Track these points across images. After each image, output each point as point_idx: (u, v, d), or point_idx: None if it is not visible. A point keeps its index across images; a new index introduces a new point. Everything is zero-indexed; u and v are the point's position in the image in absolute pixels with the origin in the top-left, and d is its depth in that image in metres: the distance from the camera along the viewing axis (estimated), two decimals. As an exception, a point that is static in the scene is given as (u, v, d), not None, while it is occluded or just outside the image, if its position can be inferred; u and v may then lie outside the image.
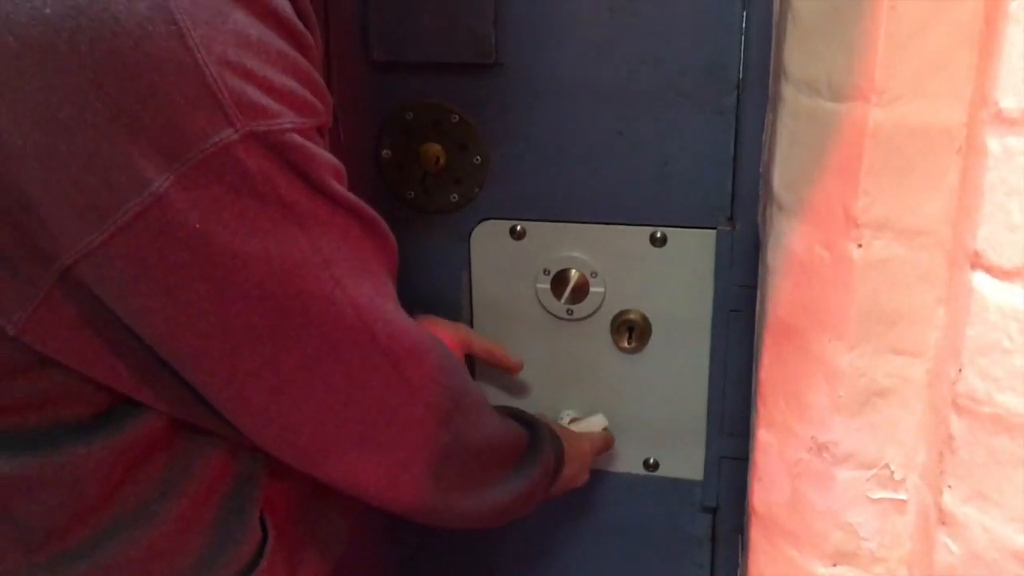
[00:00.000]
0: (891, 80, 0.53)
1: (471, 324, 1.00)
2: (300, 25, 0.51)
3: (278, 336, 0.52)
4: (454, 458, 0.65)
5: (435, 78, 0.91)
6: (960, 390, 0.54)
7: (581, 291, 0.95)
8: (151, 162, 0.44)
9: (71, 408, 0.54)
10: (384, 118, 0.94)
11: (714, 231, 0.90)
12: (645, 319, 0.95)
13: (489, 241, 0.96)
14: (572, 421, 0.98)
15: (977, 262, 0.52)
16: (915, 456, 0.61)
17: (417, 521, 0.66)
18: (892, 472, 0.62)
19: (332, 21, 0.89)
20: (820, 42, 0.57)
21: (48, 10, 0.43)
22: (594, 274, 0.94)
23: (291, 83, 0.49)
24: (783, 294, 0.64)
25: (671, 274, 0.93)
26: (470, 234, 0.97)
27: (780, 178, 0.63)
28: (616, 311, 0.96)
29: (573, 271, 0.95)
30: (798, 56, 0.60)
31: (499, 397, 1.02)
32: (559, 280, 0.95)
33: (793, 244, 0.62)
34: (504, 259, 0.96)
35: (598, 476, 1.03)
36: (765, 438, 0.69)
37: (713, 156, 0.88)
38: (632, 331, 0.96)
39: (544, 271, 0.95)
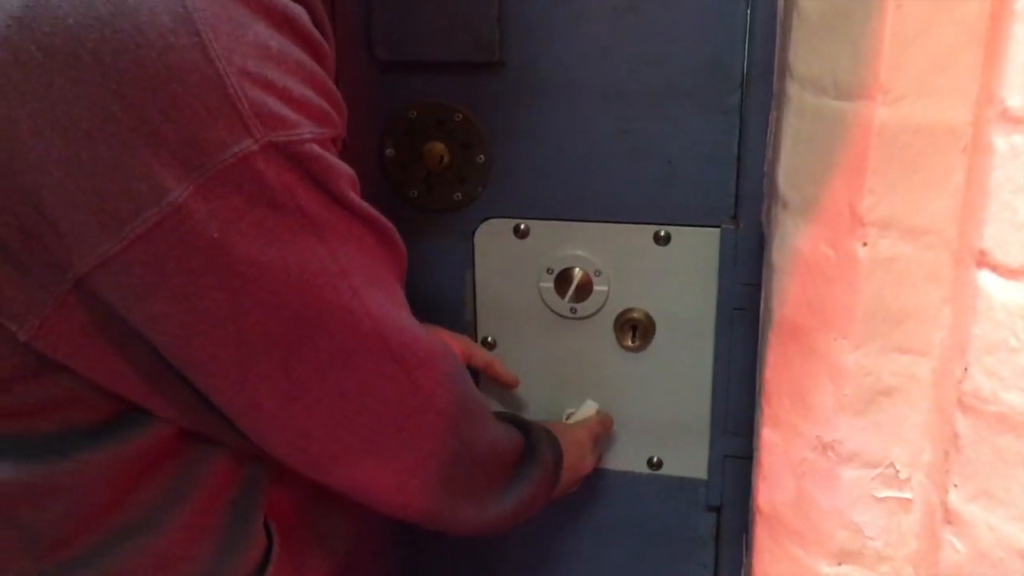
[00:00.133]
0: (897, 79, 0.53)
1: (475, 323, 1.00)
2: (317, 35, 0.51)
3: (293, 344, 0.52)
4: (462, 464, 0.65)
5: (439, 77, 0.91)
6: (966, 389, 0.54)
7: (585, 290, 0.95)
8: (171, 172, 0.45)
9: (80, 414, 0.54)
10: (387, 117, 0.94)
11: (718, 230, 0.90)
12: (649, 318, 0.95)
13: (493, 240, 0.96)
14: (568, 416, 0.98)
15: (983, 261, 0.52)
16: (920, 455, 0.61)
17: (423, 528, 0.66)
18: (897, 471, 0.62)
19: (336, 20, 0.89)
20: (825, 40, 0.57)
21: (71, 20, 0.43)
22: (598, 273, 0.94)
23: (309, 93, 0.49)
24: (788, 293, 0.64)
25: (675, 273, 0.93)
26: (474, 233, 0.97)
27: (785, 177, 0.63)
28: (620, 310, 0.96)
29: (577, 270, 0.95)
30: (803, 54, 0.60)
31: (503, 396, 1.02)
32: (563, 279, 0.95)
33: (798, 243, 0.62)
34: (508, 258, 0.96)
35: (601, 475, 1.03)
36: (770, 437, 0.69)
37: (717, 155, 0.88)
38: (636, 330, 0.96)
39: (548, 270, 0.95)
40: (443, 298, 1.00)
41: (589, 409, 0.98)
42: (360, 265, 0.53)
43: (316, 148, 0.49)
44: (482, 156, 0.93)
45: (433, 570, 1.13)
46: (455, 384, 0.63)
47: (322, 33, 0.52)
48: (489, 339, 1.00)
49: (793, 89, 0.61)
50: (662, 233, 0.92)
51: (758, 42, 0.83)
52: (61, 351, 0.50)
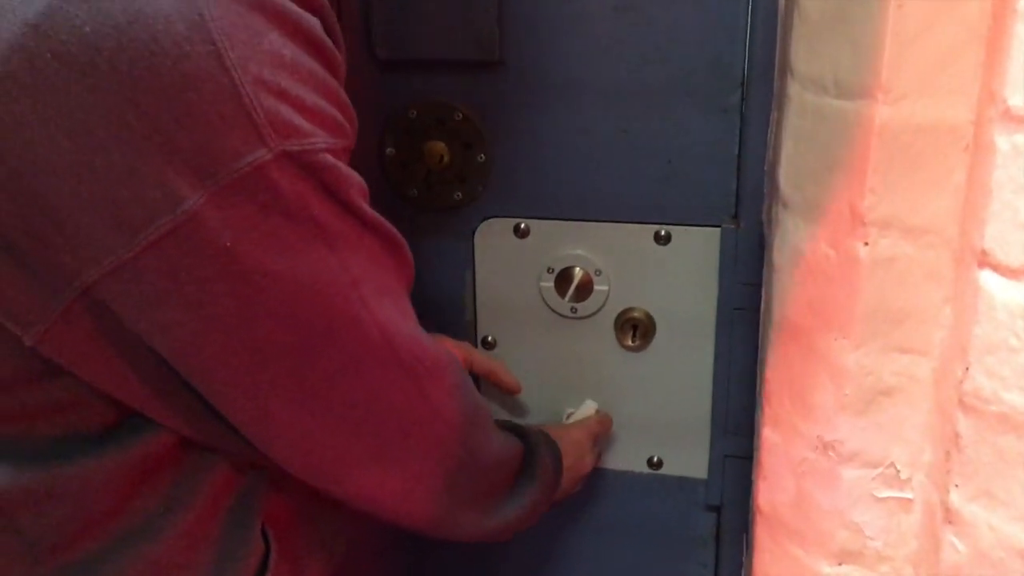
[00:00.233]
0: (898, 78, 0.53)
1: (475, 322, 1.00)
2: (330, 45, 0.52)
3: (303, 353, 0.52)
4: (467, 473, 0.65)
5: (439, 76, 0.91)
6: (967, 389, 0.54)
7: (585, 289, 0.95)
8: (185, 180, 0.45)
9: (82, 420, 0.54)
10: (388, 116, 0.93)
11: (718, 229, 0.89)
12: (649, 317, 0.95)
13: (493, 239, 0.96)
14: (568, 416, 0.98)
15: (984, 260, 0.52)
16: (921, 455, 0.61)
17: (426, 535, 0.66)
18: (898, 471, 0.62)
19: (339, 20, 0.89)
20: (826, 39, 0.57)
21: (88, 28, 0.43)
22: (598, 272, 0.94)
23: (322, 103, 0.49)
24: (789, 293, 0.64)
25: (675, 272, 0.93)
26: (474, 232, 0.97)
27: (786, 176, 0.63)
28: (620, 309, 0.95)
29: (577, 269, 0.94)
30: (804, 53, 0.60)
31: (502, 396, 1.02)
32: (563, 278, 0.95)
33: (799, 243, 0.62)
34: (508, 257, 0.96)
35: (601, 474, 1.03)
36: (770, 437, 0.69)
37: (718, 154, 0.88)
38: (636, 329, 0.95)
39: (548, 269, 0.95)
40: (443, 297, 0.99)
41: (588, 409, 0.98)
42: (370, 275, 0.54)
43: (329, 158, 0.49)
44: (482, 155, 0.93)
45: (433, 570, 1.13)
46: (462, 395, 0.63)
47: (334, 43, 0.53)
48: (489, 338, 1.00)
49: (794, 88, 0.61)
50: (662, 233, 0.91)
51: (759, 41, 0.83)
52: (66, 356, 0.50)
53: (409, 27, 0.89)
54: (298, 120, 0.47)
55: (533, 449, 0.79)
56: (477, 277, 0.98)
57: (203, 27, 0.44)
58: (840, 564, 0.66)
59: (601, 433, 0.97)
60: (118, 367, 0.51)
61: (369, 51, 0.90)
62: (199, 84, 0.44)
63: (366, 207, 0.53)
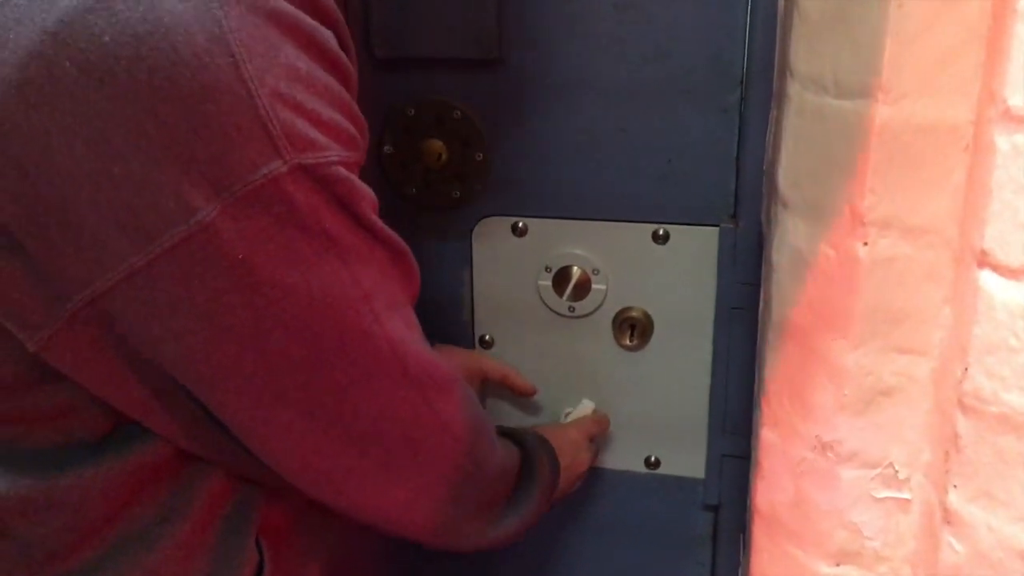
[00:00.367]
0: (898, 77, 0.53)
1: (472, 321, 1.00)
2: (344, 57, 0.52)
3: (313, 365, 0.52)
4: (472, 484, 0.66)
5: (437, 74, 0.91)
6: (966, 389, 0.54)
7: (583, 288, 0.95)
8: (200, 191, 0.45)
9: (80, 427, 0.54)
10: (386, 114, 0.93)
11: (717, 228, 0.89)
12: (647, 316, 0.95)
13: (491, 238, 0.96)
14: (566, 415, 0.98)
15: (984, 260, 0.52)
16: (920, 455, 0.61)
17: (429, 545, 0.67)
18: (897, 471, 0.62)
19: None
20: (826, 39, 0.57)
21: (107, 38, 0.43)
22: (596, 271, 0.94)
23: (337, 116, 0.50)
24: (788, 292, 0.64)
25: (673, 271, 0.93)
26: (472, 231, 0.96)
27: (785, 176, 0.63)
28: (618, 308, 0.95)
29: (575, 268, 0.94)
30: (804, 53, 0.60)
31: (503, 396, 1.02)
32: (561, 277, 0.95)
33: (798, 242, 0.62)
34: (506, 256, 0.96)
35: (599, 474, 1.03)
36: (769, 437, 0.69)
37: (716, 153, 0.88)
38: (634, 329, 0.95)
39: (546, 268, 0.95)
40: (441, 296, 0.99)
41: (586, 408, 0.98)
42: (380, 289, 0.54)
43: (343, 171, 0.49)
44: (480, 154, 0.92)
45: (431, 570, 1.12)
46: (470, 410, 0.63)
47: (347, 56, 0.53)
48: (487, 337, 1.00)
49: (793, 88, 0.61)
50: (661, 232, 0.91)
51: (758, 40, 0.82)
52: (68, 362, 0.50)
53: (408, 25, 0.88)
54: (313, 133, 0.47)
55: (531, 455, 0.79)
56: (475, 276, 0.98)
57: (222, 39, 0.44)
58: (838, 564, 0.66)
59: (597, 432, 0.97)
60: (119, 375, 0.51)
61: (367, 49, 0.90)
62: (217, 95, 0.44)
63: (377, 221, 0.54)
